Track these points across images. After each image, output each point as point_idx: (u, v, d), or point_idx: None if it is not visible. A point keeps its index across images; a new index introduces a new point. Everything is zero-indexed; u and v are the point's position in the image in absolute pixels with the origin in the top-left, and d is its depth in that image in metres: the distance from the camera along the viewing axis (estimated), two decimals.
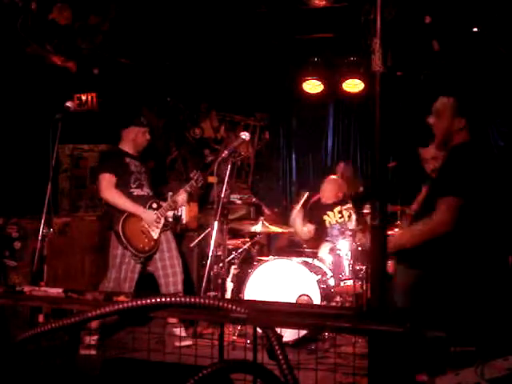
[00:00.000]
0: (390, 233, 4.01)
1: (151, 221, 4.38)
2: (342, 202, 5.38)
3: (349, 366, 3.45)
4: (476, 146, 2.82)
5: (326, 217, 5.38)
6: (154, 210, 4.44)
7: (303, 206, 5.40)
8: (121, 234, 4.26)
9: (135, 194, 4.42)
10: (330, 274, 4.82)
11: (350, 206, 5.40)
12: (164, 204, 4.50)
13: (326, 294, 4.54)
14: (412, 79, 6.23)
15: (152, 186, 4.63)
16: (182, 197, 4.53)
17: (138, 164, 4.56)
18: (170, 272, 4.48)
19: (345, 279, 4.79)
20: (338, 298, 4.76)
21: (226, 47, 5.96)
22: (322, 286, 4.50)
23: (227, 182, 3.72)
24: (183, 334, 4.44)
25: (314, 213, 5.45)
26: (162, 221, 4.46)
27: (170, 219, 4.64)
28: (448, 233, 2.60)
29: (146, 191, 4.50)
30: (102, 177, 4.36)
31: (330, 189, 5.44)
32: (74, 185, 6.91)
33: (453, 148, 2.83)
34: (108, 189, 4.33)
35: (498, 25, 5.01)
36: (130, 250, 4.28)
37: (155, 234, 4.41)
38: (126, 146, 4.55)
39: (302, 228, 5.32)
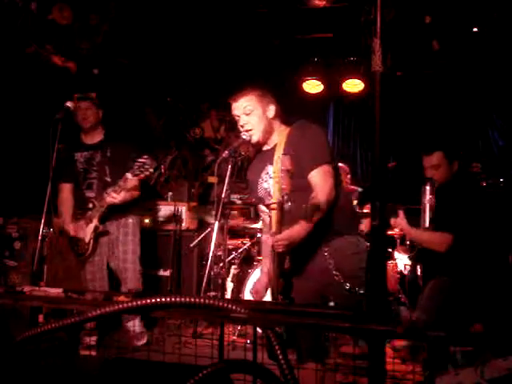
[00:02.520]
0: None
1: (70, 231, 4.15)
2: None
3: (349, 366, 3.45)
4: None
5: None
6: (91, 209, 4.14)
7: None
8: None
9: (86, 195, 4.21)
10: None
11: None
12: (97, 205, 4.13)
13: None
14: (412, 79, 6.22)
15: (110, 176, 4.17)
16: (109, 197, 4.04)
17: (89, 155, 4.24)
18: (121, 267, 4.26)
19: None
20: None
21: (226, 47, 5.96)
22: None
23: (227, 182, 3.71)
24: (140, 329, 4.27)
25: None
26: (94, 223, 4.12)
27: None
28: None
29: (95, 191, 4.20)
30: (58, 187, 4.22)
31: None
32: None
33: None
34: (58, 197, 4.21)
35: (498, 25, 5.01)
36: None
37: (86, 238, 4.14)
38: (80, 133, 4.34)
39: None
